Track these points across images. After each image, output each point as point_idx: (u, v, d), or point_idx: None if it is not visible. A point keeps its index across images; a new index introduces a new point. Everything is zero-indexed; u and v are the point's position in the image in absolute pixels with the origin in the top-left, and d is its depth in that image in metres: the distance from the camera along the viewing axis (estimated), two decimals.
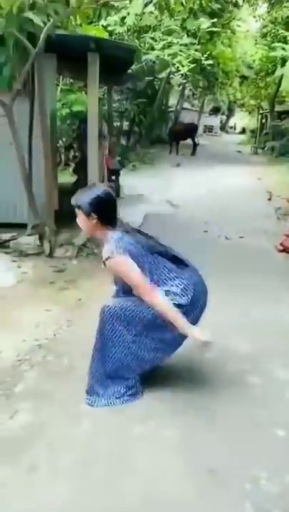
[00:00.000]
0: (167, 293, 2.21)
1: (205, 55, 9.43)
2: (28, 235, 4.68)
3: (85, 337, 2.40)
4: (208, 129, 32.76)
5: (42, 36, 3.96)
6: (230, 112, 38.36)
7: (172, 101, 21.10)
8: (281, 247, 5.13)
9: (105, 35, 6.72)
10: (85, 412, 2.25)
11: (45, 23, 3.83)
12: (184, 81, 15.99)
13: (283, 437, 2.13)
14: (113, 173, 8.01)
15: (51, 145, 4.79)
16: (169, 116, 19.55)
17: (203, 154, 16.84)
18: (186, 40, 9.96)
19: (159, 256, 2.28)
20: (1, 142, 4.73)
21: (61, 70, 7.25)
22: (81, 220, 2.29)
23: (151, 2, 8.29)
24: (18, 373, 2.55)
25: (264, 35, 17.77)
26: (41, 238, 4.60)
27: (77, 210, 2.28)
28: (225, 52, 16.75)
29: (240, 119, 37.82)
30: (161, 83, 15.38)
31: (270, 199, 8.43)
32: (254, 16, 18.49)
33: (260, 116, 23.83)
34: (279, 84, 18.04)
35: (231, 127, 43.06)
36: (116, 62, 5.73)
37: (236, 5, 15.43)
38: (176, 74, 11.06)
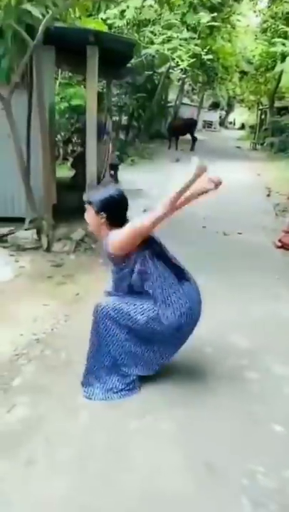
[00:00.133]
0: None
1: (205, 50, 9.35)
2: (26, 230, 4.66)
3: (83, 331, 2.40)
4: (208, 125, 32.67)
5: (40, 28, 3.92)
6: (230, 108, 38.25)
7: (172, 96, 21.01)
8: (279, 244, 5.13)
9: (105, 29, 6.67)
10: (82, 406, 2.25)
11: (43, 15, 3.79)
12: (184, 76, 15.88)
13: (280, 432, 2.14)
14: (112, 168, 7.98)
15: (49, 138, 4.76)
16: (168, 111, 19.45)
17: (202, 150, 16.77)
18: (185, 34, 9.88)
19: (163, 263, 2.26)
20: None
21: (60, 63, 7.19)
22: (90, 216, 2.27)
23: None
24: (16, 367, 2.55)
25: (264, 31, 17.68)
26: (39, 232, 4.58)
27: (87, 206, 2.26)
28: (225, 47, 16.65)
29: (240, 115, 37.72)
30: (160, 78, 15.29)
31: (268, 195, 8.42)
32: (254, 11, 18.37)
33: (259, 112, 23.76)
34: (279, 80, 17.97)
35: (231, 123, 42.96)
36: (115, 55, 5.68)
37: None
38: (175, 68, 10.98)
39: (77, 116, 9.69)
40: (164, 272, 2.25)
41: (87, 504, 1.71)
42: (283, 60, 11.12)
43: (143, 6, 9.45)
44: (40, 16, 3.72)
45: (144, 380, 2.41)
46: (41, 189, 4.63)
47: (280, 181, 9.48)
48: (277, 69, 13.82)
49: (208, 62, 12.18)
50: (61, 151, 10.20)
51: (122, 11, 9.50)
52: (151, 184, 8.67)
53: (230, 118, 42.99)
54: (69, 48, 5.13)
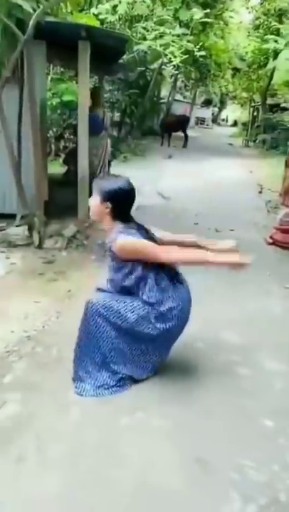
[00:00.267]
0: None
1: (197, 47, 9.33)
2: (17, 226, 4.63)
3: (74, 328, 2.39)
4: (200, 121, 32.70)
5: (31, 23, 3.88)
6: (222, 105, 38.33)
7: (164, 92, 20.97)
8: (271, 240, 5.15)
9: (97, 24, 6.61)
10: (73, 402, 2.25)
11: (34, 10, 3.75)
12: (176, 72, 15.87)
13: (270, 427, 2.15)
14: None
15: (41, 134, 4.72)
16: (160, 108, 19.42)
17: (194, 146, 16.80)
18: (178, 30, 9.85)
19: (161, 268, 2.26)
20: None
21: (51, 59, 7.14)
22: (94, 203, 2.24)
23: None
24: (7, 364, 2.54)
25: (257, 27, 17.73)
26: (30, 229, 4.55)
27: (94, 193, 2.23)
28: (217, 43, 16.67)
29: (232, 112, 37.80)
30: (153, 74, 15.25)
31: (260, 192, 8.45)
32: (247, 8, 18.40)
33: (251, 109, 23.83)
34: (271, 77, 18.03)
35: (223, 120, 43.05)
36: (107, 51, 5.66)
37: None
38: (168, 65, 10.96)
39: (69, 112, 9.64)
40: (162, 279, 2.26)
41: (79, 501, 1.71)
42: (275, 57, 11.16)
43: (135, 2, 9.39)
44: (31, 10, 3.69)
45: None
46: (33, 185, 4.60)
47: (272, 178, 9.51)
48: (270, 66, 13.88)
49: (201, 59, 12.18)
50: (53, 147, 10.13)
51: (114, 6, 9.43)
52: (144, 181, 8.64)
53: (223, 115, 43.08)
54: (60, 42, 5.09)
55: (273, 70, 15.61)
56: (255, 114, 23.06)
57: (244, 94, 24.88)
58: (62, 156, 9.19)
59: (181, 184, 8.79)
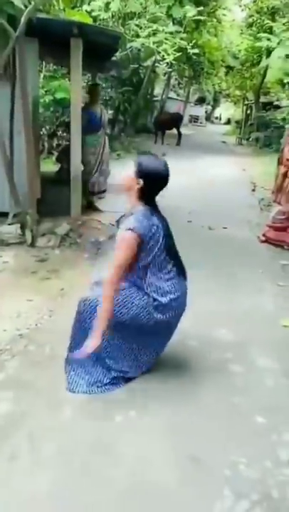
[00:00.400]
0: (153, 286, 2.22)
1: (191, 44, 9.31)
2: (10, 224, 4.60)
3: (67, 326, 2.39)
4: (194, 119, 32.68)
5: (23, 19, 3.85)
6: (216, 103, 38.35)
7: (158, 90, 20.92)
8: (263, 238, 5.17)
9: (89, 21, 6.57)
10: (66, 401, 2.25)
11: (26, 6, 3.73)
12: (170, 70, 15.84)
13: (263, 424, 2.17)
14: None
15: (33, 131, 4.70)
16: (154, 106, 19.37)
17: (188, 144, 16.79)
18: (171, 28, 9.82)
19: (167, 256, 2.27)
20: None
21: (44, 56, 7.09)
22: (128, 177, 2.22)
23: None
24: None
25: (250, 25, 17.72)
26: (23, 227, 4.52)
27: (133, 167, 2.21)
28: (211, 41, 16.65)
29: (226, 110, 37.85)
30: (146, 71, 15.21)
31: (254, 190, 8.47)
32: (240, 6, 18.38)
33: (245, 107, 23.85)
34: (264, 75, 18.04)
35: (217, 117, 43.10)
36: (100, 48, 5.62)
37: None
38: (161, 62, 10.93)
39: (62, 109, 9.59)
40: (169, 271, 2.27)
41: (72, 499, 1.71)
42: (268, 55, 11.16)
43: None
44: (23, 7, 3.66)
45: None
46: (25, 183, 4.57)
47: (265, 176, 9.53)
48: (263, 64, 13.89)
49: (194, 57, 12.14)
50: (46, 144, 10.08)
51: (107, 3, 9.39)
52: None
53: (217, 113, 43.13)
54: (53, 40, 5.05)
55: (266, 68, 15.63)
56: (248, 112, 23.09)
57: (237, 92, 24.89)
58: (56, 154, 9.14)
59: (174, 182, 8.69)
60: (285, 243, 4.98)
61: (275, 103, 19.64)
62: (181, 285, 2.32)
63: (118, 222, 2.33)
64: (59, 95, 8.96)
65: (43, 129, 9.69)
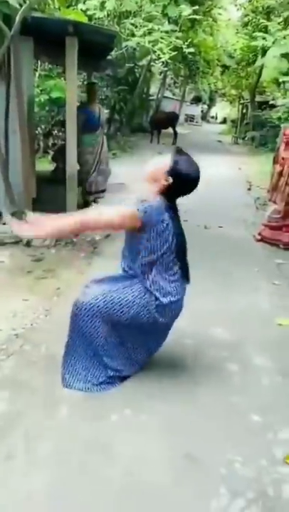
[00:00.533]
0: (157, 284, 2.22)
1: (186, 43, 9.31)
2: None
3: (63, 326, 2.38)
4: (190, 119, 32.68)
5: (17, 18, 3.85)
6: (212, 102, 38.37)
7: (153, 89, 20.92)
8: (259, 237, 5.19)
9: (84, 20, 6.56)
10: (62, 400, 2.24)
11: (21, 5, 3.72)
12: (165, 69, 15.84)
13: (258, 422, 2.17)
14: None
15: (29, 130, 4.69)
16: (150, 105, 19.37)
17: (184, 144, 16.77)
18: (167, 27, 9.82)
19: (176, 257, 2.25)
20: None
21: (39, 55, 7.07)
22: (158, 170, 2.14)
23: None
24: None
25: (245, 25, 17.77)
26: None
27: (167, 162, 2.13)
28: (206, 40, 16.66)
29: (222, 109, 37.92)
30: (142, 71, 15.20)
31: (249, 189, 8.50)
32: (235, 5, 18.42)
33: (240, 106, 23.90)
34: (260, 75, 18.09)
35: (212, 117, 43.15)
36: (95, 47, 5.62)
37: None
38: (157, 61, 10.94)
39: (57, 108, 9.57)
40: (174, 273, 2.25)
41: (68, 498, 1.71)
42: (264, 54, 11.20)
43: None
44: (18, 6, 3.65)
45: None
46: (20, 183, 4.56)
47: (261, 175, 9.56)
48: (258, 63, 13.93)
49: (190, 56, 12.20)
50: (41, 144, 10.06)
51: (103, 2, 9.38)
52: (134, 178, 8.64)
53: (212, 112, 43.18)
54: (48, 38, 5.05)
55: (262, 67, 15.66)
56: (244, 111, 23.14)
57: (233, 92, 24.96)
58: (51, 153, 9.12)
59: None
60: (281, 242, 4.99)
61: (271, 102, 19.66)
62: (183, 289, 2.32)
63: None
64: (54, 94, 8.94)
65: (39, 129, 9.68)
